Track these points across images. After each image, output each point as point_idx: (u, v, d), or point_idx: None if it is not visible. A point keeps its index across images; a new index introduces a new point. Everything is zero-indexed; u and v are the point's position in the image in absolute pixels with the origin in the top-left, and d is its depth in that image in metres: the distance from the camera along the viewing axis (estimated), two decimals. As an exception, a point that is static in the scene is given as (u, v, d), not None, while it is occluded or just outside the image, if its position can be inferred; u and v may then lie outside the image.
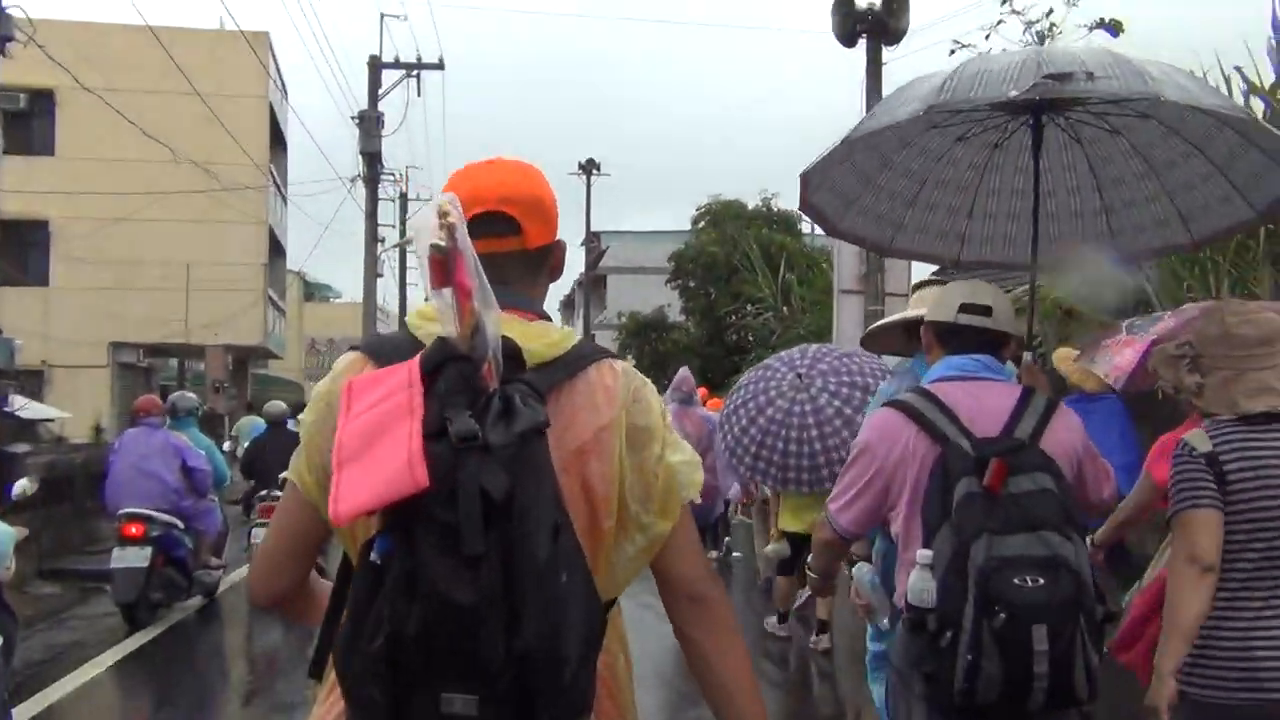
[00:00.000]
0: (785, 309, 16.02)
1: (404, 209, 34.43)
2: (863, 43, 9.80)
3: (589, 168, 38.83)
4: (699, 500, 1.64)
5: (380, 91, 22.81)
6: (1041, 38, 8.81)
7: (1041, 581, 2.22)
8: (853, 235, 3.88)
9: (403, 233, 33.42)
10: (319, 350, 44.84)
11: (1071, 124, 3.36)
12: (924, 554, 2.33)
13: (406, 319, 1.60)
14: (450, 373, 1.29)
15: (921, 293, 3.86)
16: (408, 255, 35.81)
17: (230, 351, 26.21)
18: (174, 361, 29.37)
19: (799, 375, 6.36)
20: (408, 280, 36.35)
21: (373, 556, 1.26)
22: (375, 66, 22.86)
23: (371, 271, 22.98)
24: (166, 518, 7.90)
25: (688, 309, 20.81)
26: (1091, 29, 8.36)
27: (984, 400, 2.55)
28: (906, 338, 3.81)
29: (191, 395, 9.77)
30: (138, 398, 9.25)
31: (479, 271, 1.32)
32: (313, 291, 49.21)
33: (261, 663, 7.57)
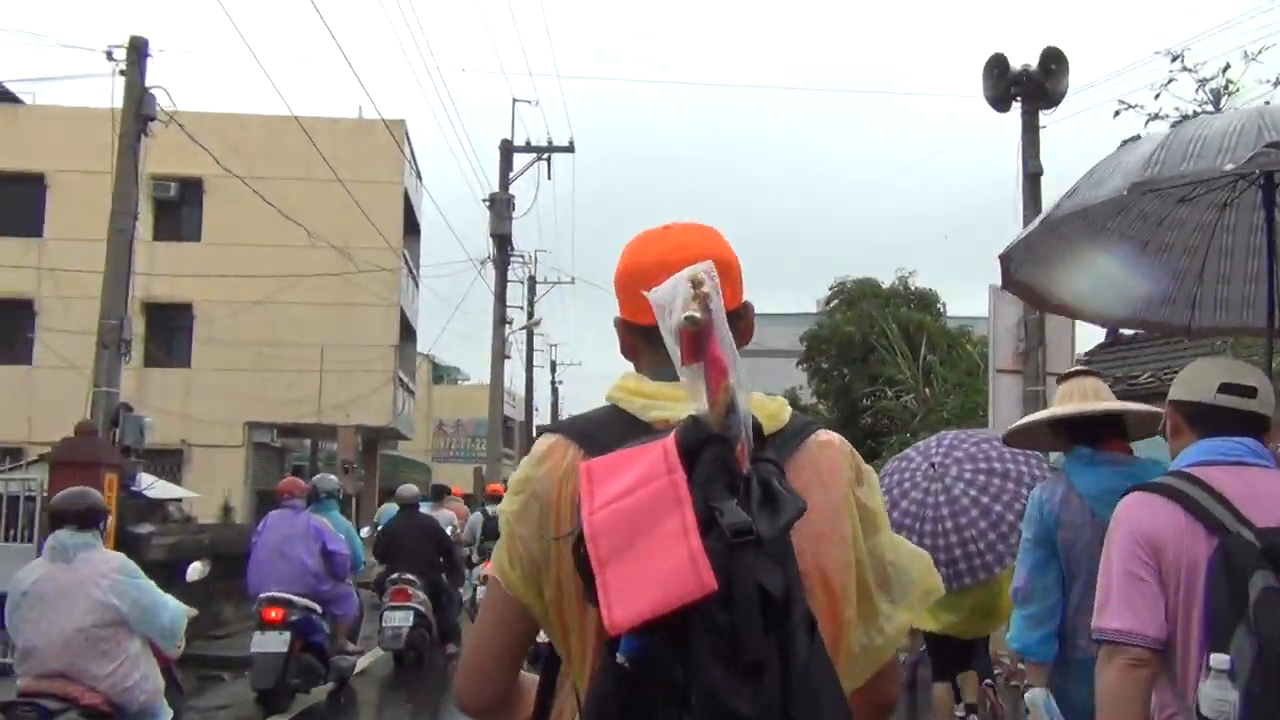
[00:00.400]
0: (927, 390, 15.51)
1: (532, 291, 35.07)
2: (1017, 106, 9.38)
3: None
4: (938, 596, 1.57)
5: (511, 175, 23.34)
6: (1217, 96, 8.36)
7: None
8: (1067, 310, 3.68)
9: (530, 314, 34.06)
10: (446, 431, 45.63)
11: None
12: (1220, 659, 2.03)
13: (611, 394, 1.51)
14: (709, 456, 1.21)
15: (1068, 385, 3.52)
16: (534, 337, 36.46)
17: (360, 432, 26.78)
18: (307, 441, 30.17)
19: (933, 465, 6.09)
20: (534, 362, 36.86)
21: (619, 658, 1.16)
22: (506, 150, 23.42)
23: (499, 353, 23.27)
24: (306, 602, 7.92)
25: (820, 391, 20.33)
26: (1277, 84, 7.89)
27: (1256, 486, 2.25)
28: (1053, 435, 3.54)
29: (332, 477, 9.88)
30: (272, 477, 9.46)
31: (733, 346, 1.26)
32: (441, 374, 50.28)
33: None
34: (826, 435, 1.51)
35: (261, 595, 7.81)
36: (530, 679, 1.59)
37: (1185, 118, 8.16)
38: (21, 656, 4.37)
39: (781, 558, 1.18)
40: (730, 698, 1.10)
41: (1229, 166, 2.42)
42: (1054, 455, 5.40)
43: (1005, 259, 3.26)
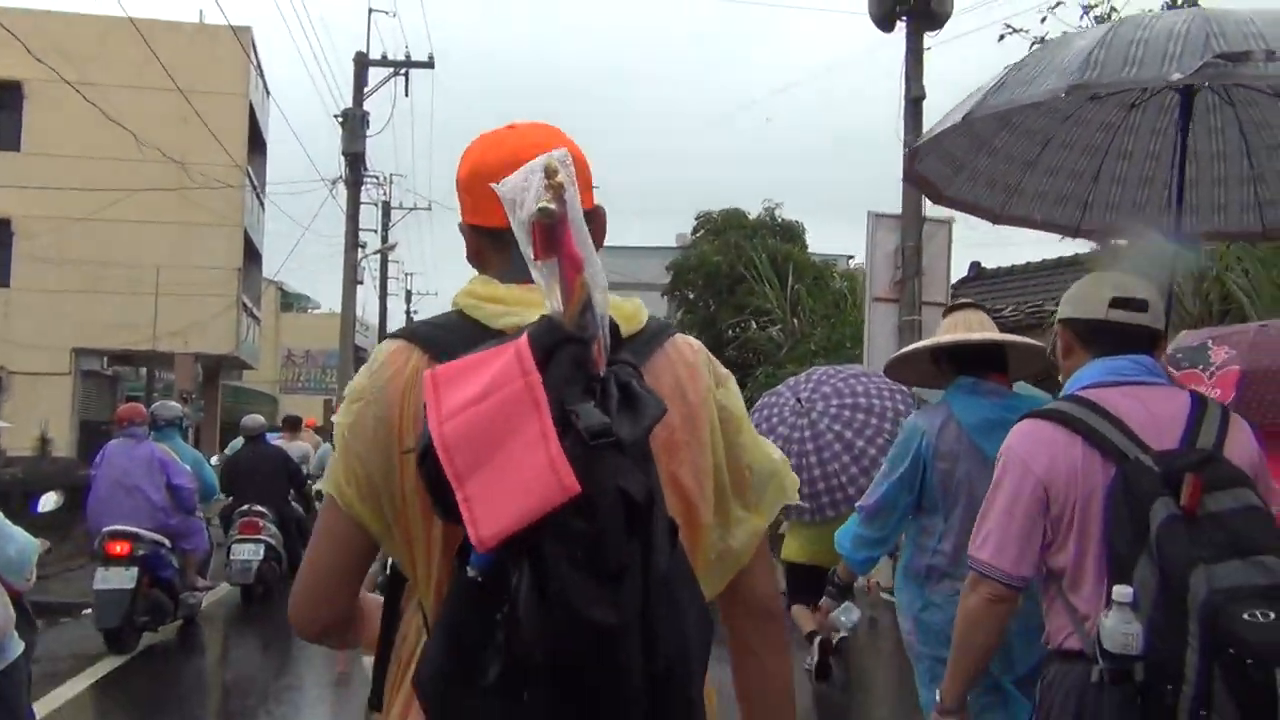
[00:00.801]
0: (794, 321, 15.67)
1: (386, 216, 34.08)
2: (901, 27, 9.25)
3: (577, 177, 38.42)
4: (798, 501, 1.59)
5: (366, 90, 22.38)
6: (1101, 22, 8.50)
7: (1273, 616, 1.87)
8: (961, 202, 3.59)
9: (384, 239, 33.13)
10: (295, 362, 44.34)
11: (1225, 88, 3.04)
12: (1123, 591, 1.98)
13: (457, 299, 1.44)
14: (563, 356, 1.15)
15: (952, 318, 3.51)
16: (388, 263, 35.51)
17: (200, 361, 25.61)
18: (143, 371, 28.73)
19: (799, 400, 6.30)
20: (388, 290, 35.95)
21: (470, 571, 1.11)
22: (361, 63, 22.40)
23: (351, 278, 22.47)
24: (153, 535, 7.61)
25: (685, 322, 20.42)
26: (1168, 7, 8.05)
27: (1153, 408, 2.23)
28: (936, 368, 3.51)
29: (175, 404, 9.40)
30: (102, 408, 9.12)
31: (589, 241, 1.20)
32: (290, 302, 48.74)
33: (246, 689, 7.14)
34: (684, 338, 1.48)
35: (104, 530, 7.44)
36: (373, 600, 1.54)
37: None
38: None
39: (642, 461, 1.14)
40: (589, 605, 1.05)
41: (1175, 76, 2.34)
42: (919, 390, 5.47)
43: (913, 152, 3.25)
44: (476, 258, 1.52)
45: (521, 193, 1.19)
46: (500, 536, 1.05)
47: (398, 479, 1.35)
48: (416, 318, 55.16)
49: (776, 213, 20.21)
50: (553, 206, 1.16)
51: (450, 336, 1.36)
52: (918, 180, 3.45)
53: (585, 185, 1.48)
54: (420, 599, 1.39)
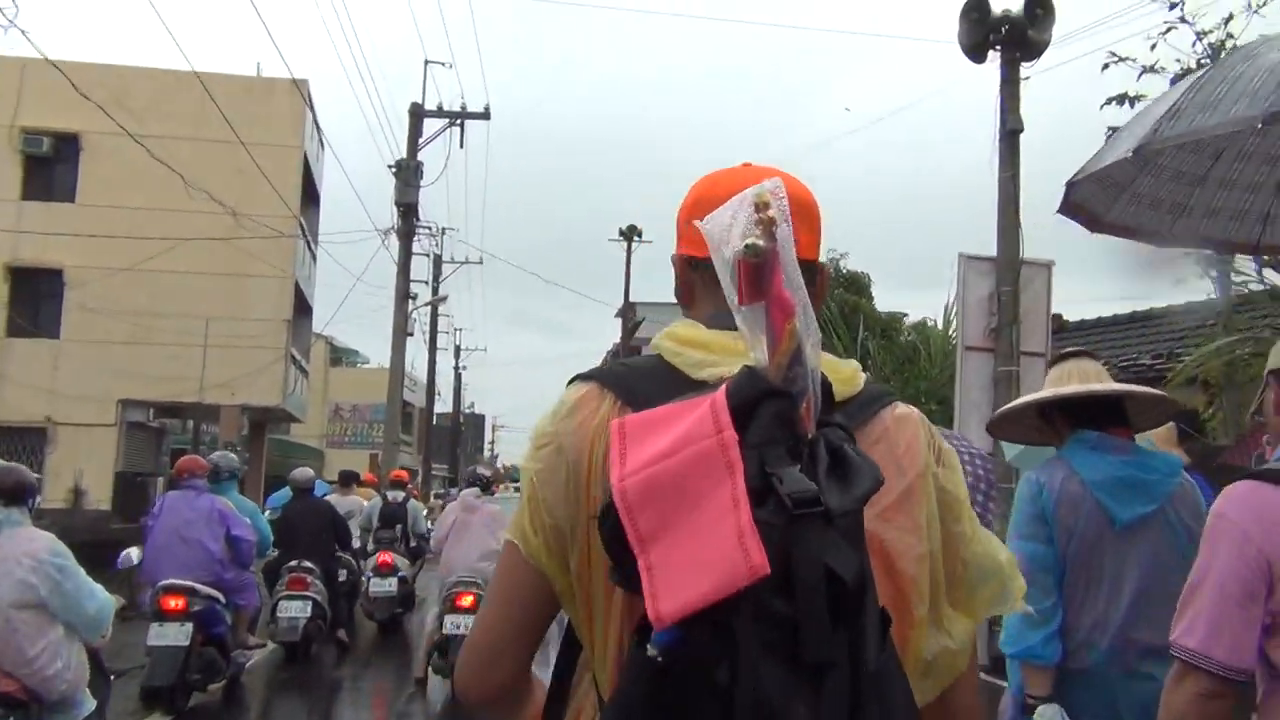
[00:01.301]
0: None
1: (438, 270, 33.95)
2: (994, 57, 8.68)
3: (630, 234, 38.12)
4: (1024, 609, 1.41)
5: (421, 141, 22.25)
6: (1216, 52, 7.86)
7: None
8: (1121, 227, 3.23)
9: (435, 290, 32.93)
10: (342, 416, 44.29)
11: None
12: None
13: (658, 343, 1.33)
14: (766, 413, 1.04)
15: (1062, 368, 3.12)
16: (438, 318, 35.29)
17: (247, 413, 25.32)
18: (190, 423, 28.50)
19: None
20: (437, 344, 35.68)
21: (651, 650, 0.99)
22: (417, 114, 22.40)
23: (401, 330, 22.19)
24: (208, 590, 7.44)
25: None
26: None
27: None
28: (1044, 423, 3.13)
29: (233, 456, 9.26)
30: (146, 460, 9.00)
31: (800, 284, 1.08)
32: (339, 356, 48.93)
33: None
34: (905, 408, 1.37)
35: (160, 583, 7.27)
36: (541, 681, 1.42)
37: (1187, 71, 7.65)
38: None
39: (853, 537, 1.02)
40: (787, 702, 0.95)
41: None
42: (1010, 452, 4.82)
43: (1070, 185, 3.01)
44: (685, 294, 1.45)
45: (727, 229, 1.10)
46: (681, 614, 0.95)
47: (583, 533, 1.24)
48: (464, 373, 55.20)
49: (841, 263, 19.58)
50: (761, 243, 1.06)
51: (646, 384, 1.26)
52: (1073, 209, 3.17)
53: (814, 231, 1.40)
54: (595, 674, 1.28)
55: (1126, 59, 8.84)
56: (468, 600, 8.23)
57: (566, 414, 1.29)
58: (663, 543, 0.97)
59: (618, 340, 42.02)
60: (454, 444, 53.23)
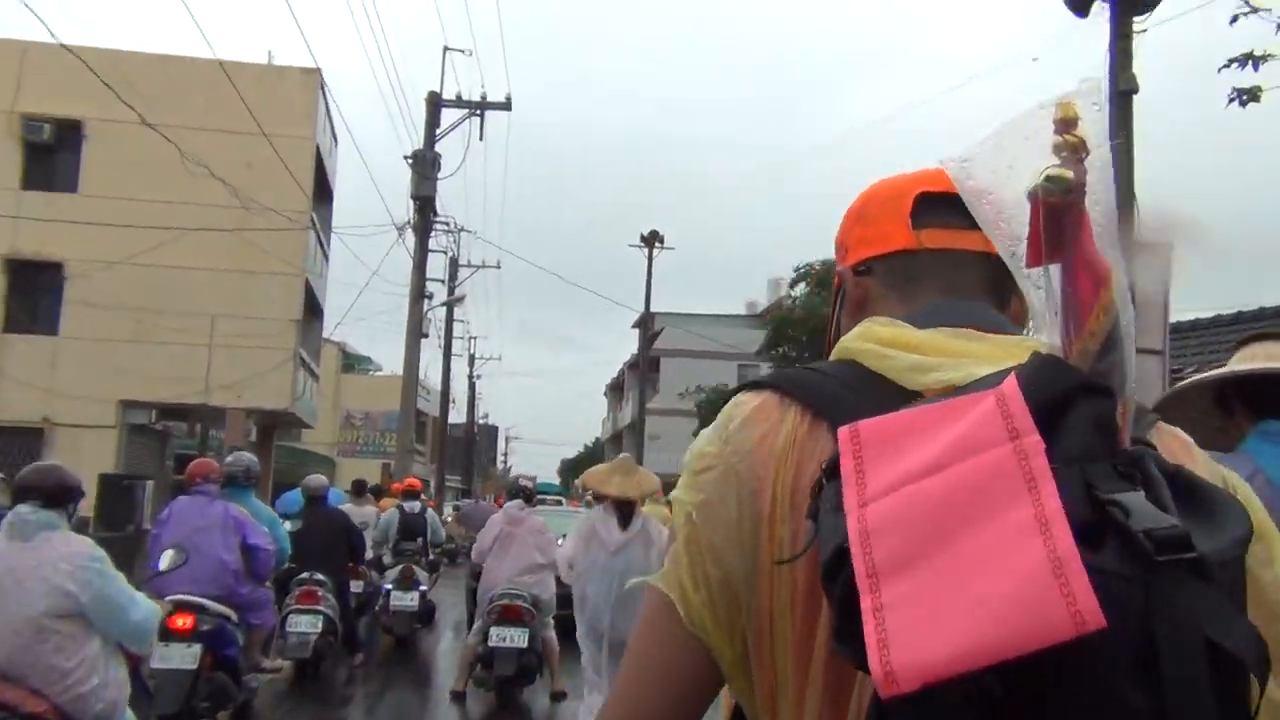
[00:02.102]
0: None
1: (454, 274, 32.96)
2: (1100, 10, 7.65)
3: (651, 240, 36.95)
4: None
5: (439, 131, 21.28)
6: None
7: None
8: None
9: (451, 290, 31.93)
10: (354, 424, 43.43)
11: None
12: None
13: (850, 345, 1.03)
14: (1080, 416, 0.78)
15: (1251, 349, 2.55)
16: (453, 323, 34.26)
17: (254, 416, 24.32)
18: (196, 426, 27.55)
19: None
20: (452, 350, 34.67)
21: None
22: (435, 103, 21.46)
23: (416, 330, 21.21)
24: (219, 608, 6.76)
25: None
26: None
27: None
28: (1219, 411, 2.55)
29: (251, 457, 8.49)
30: (148, 463, 8.19)
31: (1116, 238, 0.81)
32: (352, 363, 48.06)
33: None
34: (1169, 427, 1.05)
35: (166, 598, 6.51)
36: None
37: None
38: None
39: (1239, 598, 0.75)
40: None
41: None
42: None
43: None
44: (858, 307, 1.17)
45: (1005, 163, 0.85)
46: (930, 674, 0.67)
47: (764, 587, 0.95)
48: (478, 383, 54.04)
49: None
50: (1069, 174, 0.78)
51: (845, 391, 0.97)
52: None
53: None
54: None
55: (1261, 10, 7.70)
56: (513, 613, 8.33)
57: (738, 429, 1.01)
58: (906, 577, 0.70)
59: (634, 352, 41.03)
60: (469, 454, 52.27)
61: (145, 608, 4.21)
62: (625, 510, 6.80)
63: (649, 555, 6.73)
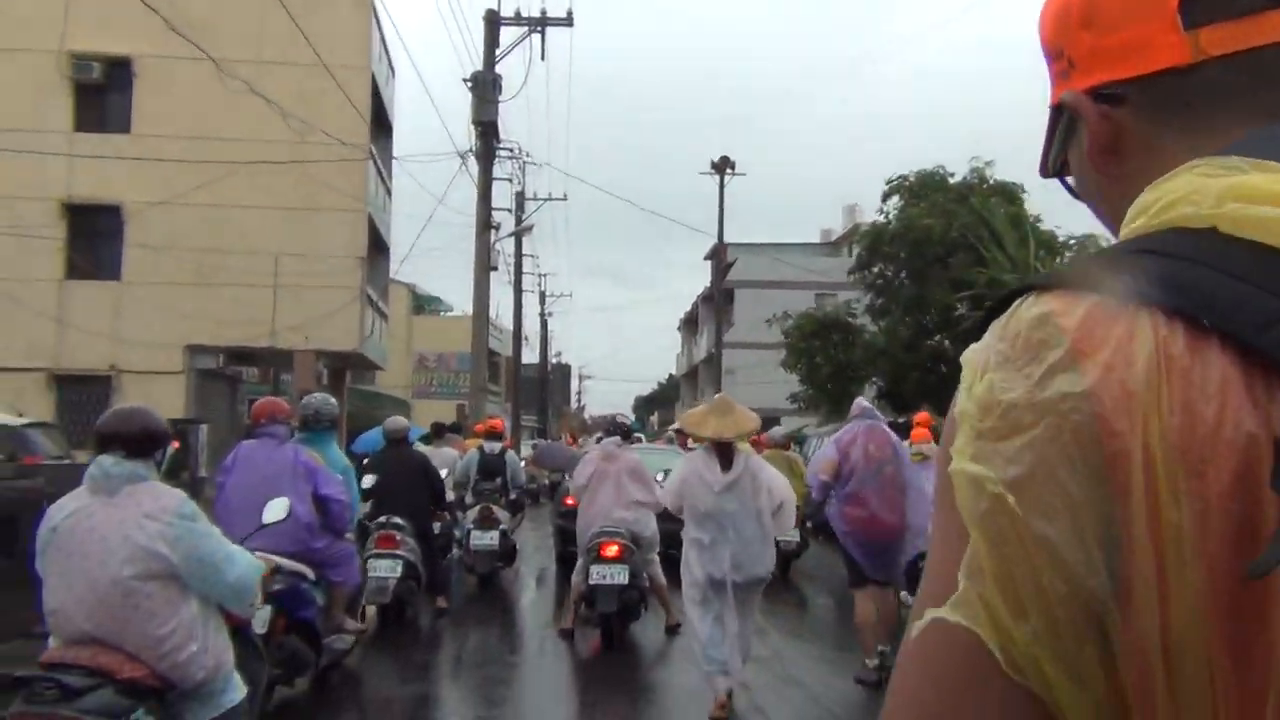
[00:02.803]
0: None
1: (520, 208, 32.01)
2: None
3: (722, 166, 35.22)
4: None
5: (499, 51, 20.19)
6: None
7: None
8: None
9: (518, 220, 31.00)
10: (428, 366, 43.06)
11: None
12: None
13: (1189, 212, 0.67)
14: None
15: None
16: (522, 258, 33.39)
17: (323, 359, 23.74)
18: (268, 370, 27.14)
19: None
20: (522, 286, 33.84)
21: None
22: (493, 21, 20.36)
23: (484, 262, 20.33)
24: (293, 565, 6.04)
25: (876, 307, 17.33)
26: None
27: None
28: None
29: (325, 396, 7.83)
30: (217, 409, 7.37)
31: None
32: (422, 304, 47.66)
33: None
34: None
35: None
36: None
37: None
38: (48, 614, 3.72)
39: None
40: None
41: None
42: None
43: None
44: (1108, 157, 0.78)
45: None
46: None
47: (1146, 604, 0.61)
48: (550, 320, 53.37)
49: (987, 172, 17.04)
50: None
51: (1216, 277, 0.62)
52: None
53: None
54: None
55: None
56: (613, 550, 8.24)
57: (1062, 359, 0.63)
58: None
59: (707, 285, 39.92)
60: (542, 393, 51.80)
61: (243, 564, 3.91)
62: (725, 451, 6.56)
63: (758, 496, 6.50)
